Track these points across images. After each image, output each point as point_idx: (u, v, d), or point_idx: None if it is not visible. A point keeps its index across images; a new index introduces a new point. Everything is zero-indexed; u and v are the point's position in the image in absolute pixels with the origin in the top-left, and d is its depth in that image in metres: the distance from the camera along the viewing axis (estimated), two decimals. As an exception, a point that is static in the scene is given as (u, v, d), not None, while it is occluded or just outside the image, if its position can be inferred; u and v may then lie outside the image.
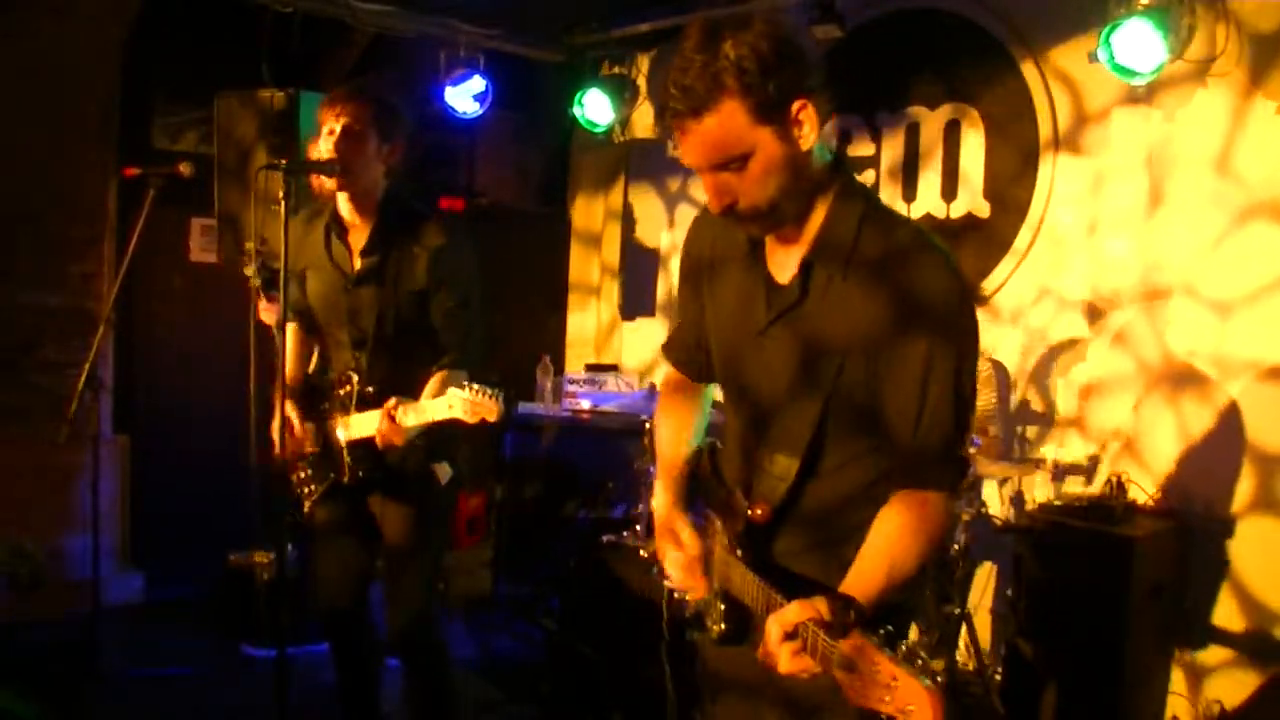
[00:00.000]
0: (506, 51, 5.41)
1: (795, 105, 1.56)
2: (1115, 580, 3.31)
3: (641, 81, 5.60)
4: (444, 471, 2.84)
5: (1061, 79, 4.03)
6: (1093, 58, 3.61)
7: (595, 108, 5.37)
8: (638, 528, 3.86)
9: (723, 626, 1.79)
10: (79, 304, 4.56)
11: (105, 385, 3.89)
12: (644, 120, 5.67)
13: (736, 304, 1.79)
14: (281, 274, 2.56)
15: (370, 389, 2.75)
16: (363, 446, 2.75)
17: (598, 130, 5.46)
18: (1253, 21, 3.53)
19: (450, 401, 2.53)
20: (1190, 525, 3.61)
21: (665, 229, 5.71)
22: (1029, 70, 4.09)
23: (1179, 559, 3.61)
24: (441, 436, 2.79)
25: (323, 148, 2.70)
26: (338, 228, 2.80)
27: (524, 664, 4.25)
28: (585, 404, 4.92)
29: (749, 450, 1.79)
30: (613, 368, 5.63)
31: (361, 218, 2.76)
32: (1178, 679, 3.63)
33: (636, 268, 5.88)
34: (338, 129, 2.66)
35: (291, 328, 2.97)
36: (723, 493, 1.85)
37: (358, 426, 2.76)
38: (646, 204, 5.82)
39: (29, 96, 4.37)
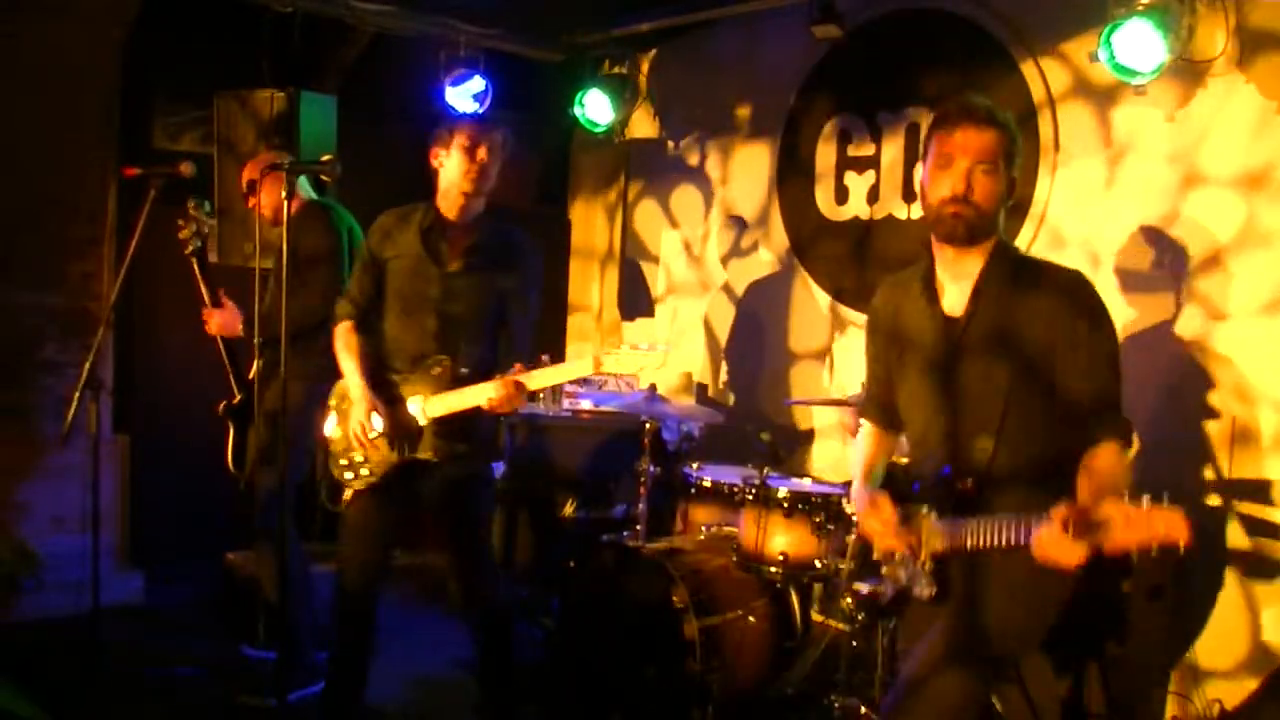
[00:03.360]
0: (506, 51, 5.41)
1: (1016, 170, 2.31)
2: (1115, 580, 3.31)
3: (641, 81, 5.61)
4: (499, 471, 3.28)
5: (1061, 79, 4.04)
6: (1093, 58, 3.61)
7: (595, 108, 5.37)
8: (638, 528, 3.87)
9: (934, 589, 2.31)
10: (79, 304, 4.56)
11: (105, 385, 3.88)
12: (644, 120, 5.68)
13: (927, 342, 2.37)
14: (283, 272, 2.57)
15: (464, 370, 3.01)
16: (450, 423, 2.99)
17: (598, 130, 5.46)
18: (1253, 21, 3.54)
19: (599, 360, 2.78)
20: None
21: (665, 229, 5.72)
22: (1029, 70, 4.09)
23: (1179, 560, 3.60)
24: (494, 433, 3.24)
25: (467, 166, 3.00)
26: (440, 226, 3.10)
27: (524, 664, 4.24)
28: (585, 404, 4.92)
29: (951, 446, 2.32)
30: (613, 368, 5.62)
31: (462, 221, 3.09)
32: (1178, 679, 3.63)
33: (636, 268, 5.89)
34: (484, 157, 3.02)
35: (346, 325, 3.18)
36: (929, 485, 2.37)
37: (454, 401, 2.97)
38: (646, 204, 5.82)
39: (29, 96, 4.36)
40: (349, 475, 3.10)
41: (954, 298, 2.35)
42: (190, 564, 4.73)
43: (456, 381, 2.99)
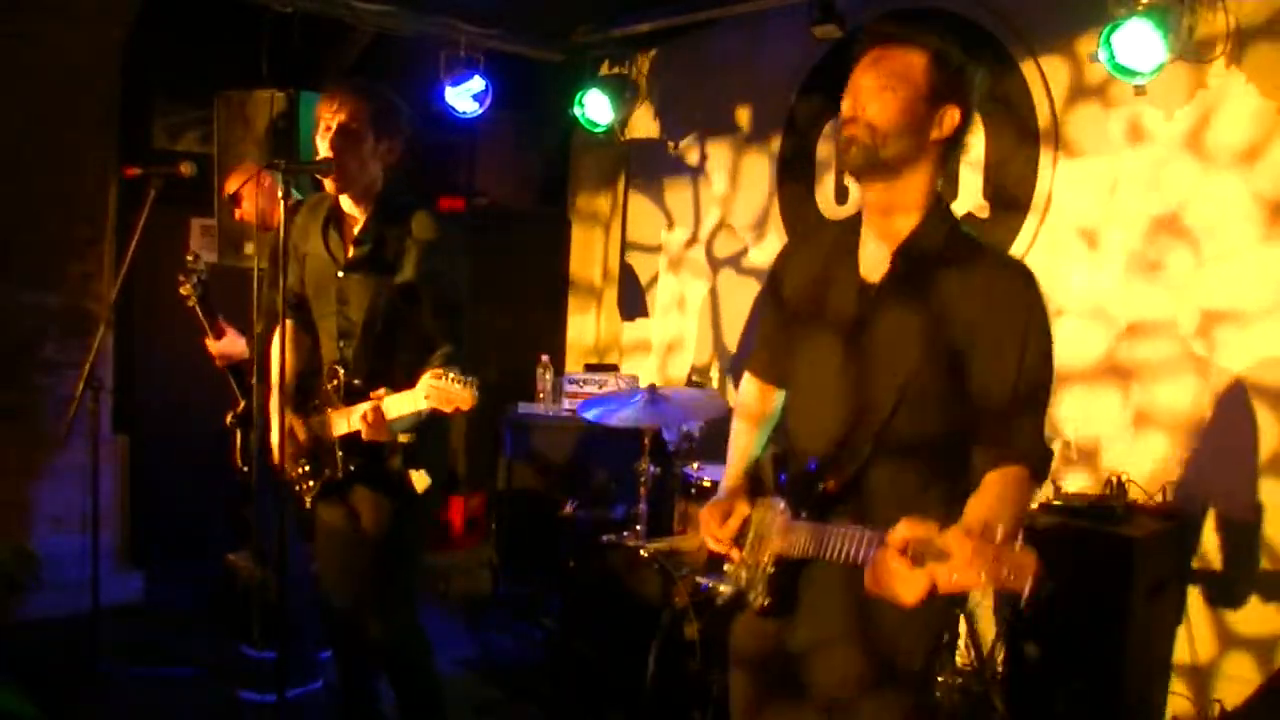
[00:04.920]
0: (506, 51, 5.41)
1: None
2: (1115, 580, 3.31)
3: (641, 81, 5.61)
4: (421, 480, 2.76)
5: (1061, 79, 4.03)
6: (1093, 58, 3.61)
7: (595, 108, 5.37)
8: (638, 528, 3.87)
9: (767, 600, 1.99)
10: (79, 304, 4.56)
11: (105, 385, 3.89)
12: (644, 120, 5.67)
13: (831, 306, 2.02)
14: (280, 273, 2.56)
15: (357, 381, 2.72)
16: (353, 440, 2.72)
17: (598, 130, 5.46)
18: (1252, 21, 3.54)
19: (426, 390, 2.48)
20: (1190, 525, 3.61)
21: (665, 229, 5.71)
22: (1029, 70, 4.09)
23: (1179, 559, 3.61)
24: (424, 442, 2.76)
25: (319, 144, 2.71)
26: (336, 217, 2.82)
27: (524, 664, 4.25)
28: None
29: (825, 437, 1.98)
30: (613, 368, 5.63)
31: (360, 209, 2.79)
32: (1178, 679, 3.63)
33: (636, 268, 5.89)
34: (334, 126, 2.68)
35: (289, 325, 2.96)
36: (793, 471, 2.03)
37: (345, 421, 2.73)
38: (646, 204, 5.81)
39: (29, 96, 4.37)
40: (307, 484, 2.89)
41: (873, 260, 1.98)
42: (190, 564, 4.73)
43: (349, 396, 2.72)
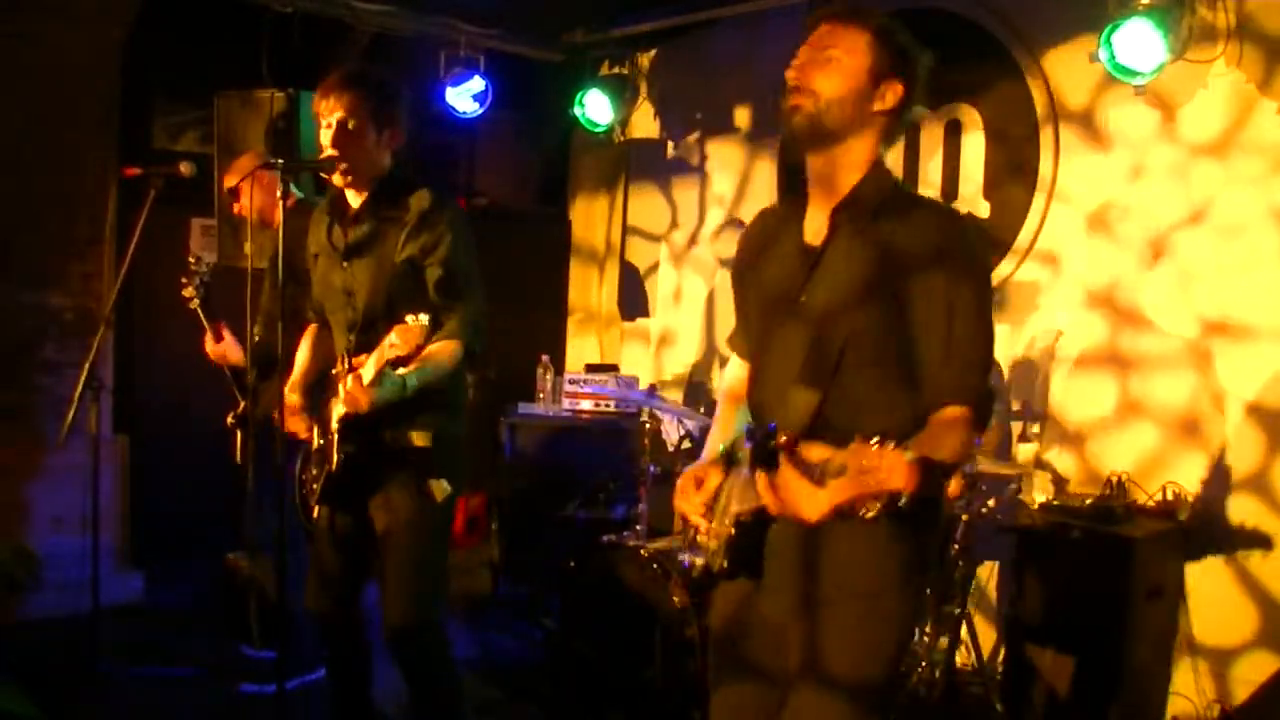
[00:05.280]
0: (506, 51, 5.41)
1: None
2: (1115, 580, 3.31)
3: (641, 81, 5.61)
4: (441, 489, 2.75)
5: (1062, 79, 4.03)
6: (1093, 58, 3.61)
7: (595, 108, 5.37)
8: (638, 528, 3.86)
9: (725, 562, 2.00)
10: (79, 304, 4.56)
11: (105, 385, 3.89)
12: (644, 120, 5.67)
13: (779, 273, 2.07)
14: (279, 272, 2.56)
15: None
16: (348, 426, 2.66)
17: (598, 130, 5.46)
18: (1253, 21, 3.54)
19: (391, 338, 2.43)
20: (1190, 525, 3.61)
21: (665, 229, 5.71)
22: (1030, 70, 4.09)
23: (1179, 559, 3.61)
24: (442, 449, 2.74)
25: (321, 140, 2.69)
26: (340, 210, 2.78)
27: (524, 664, 4.25)
28: (585, 404, 4.92)
29: (779, 395, 2.00)
30: (613, 368, 5.63)
31: (357, 197, 2.75)
32: (1178, 679, 3.63)
33: (636, 268, 5.88)
34: (334, 124, 2.65)
35: (312, 328, 3.01)
36: (757, 442, 1.98)
37: (339, 407, 2.66)
38: (646, 204, 5.81)
39: (29, 96, 4.37)
40: (313, 486, 2.83)
41: (817, 224, 2.03)
42: (190, 564, 4.73)
43: None
